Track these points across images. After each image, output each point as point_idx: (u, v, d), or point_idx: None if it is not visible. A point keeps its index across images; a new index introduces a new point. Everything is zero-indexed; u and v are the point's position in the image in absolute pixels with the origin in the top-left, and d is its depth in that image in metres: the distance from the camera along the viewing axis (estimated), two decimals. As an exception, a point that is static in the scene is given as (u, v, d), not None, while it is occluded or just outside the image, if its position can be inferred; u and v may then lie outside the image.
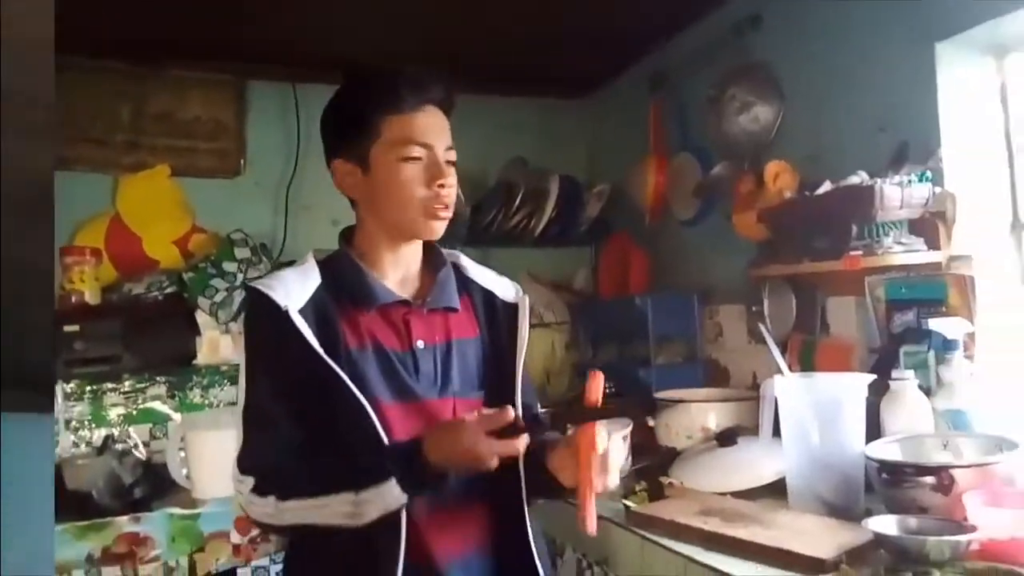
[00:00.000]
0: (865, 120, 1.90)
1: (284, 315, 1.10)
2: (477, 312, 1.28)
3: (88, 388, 2.24)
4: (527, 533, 1.18)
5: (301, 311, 1.12)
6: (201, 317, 2.42)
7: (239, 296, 2.43)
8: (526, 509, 1.19)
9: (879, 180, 1.65)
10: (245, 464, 1.11)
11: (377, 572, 1.07)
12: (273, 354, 1.12)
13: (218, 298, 2.43)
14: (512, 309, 1.29)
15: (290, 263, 2.67)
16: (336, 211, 3.00)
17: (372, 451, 1.08)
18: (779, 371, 1.64)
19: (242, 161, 2.81)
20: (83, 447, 2.18)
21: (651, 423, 2.11)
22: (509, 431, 1.03)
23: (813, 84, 2.08)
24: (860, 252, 1.70)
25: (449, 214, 1.19)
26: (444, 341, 1.21)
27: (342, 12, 2.38)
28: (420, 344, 1.19)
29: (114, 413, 2.25)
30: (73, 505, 1.86)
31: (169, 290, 2.48)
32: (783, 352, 1.74)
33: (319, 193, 2.84)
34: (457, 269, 1.30)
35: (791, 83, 2.16)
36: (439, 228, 1.20)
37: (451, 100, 1.22)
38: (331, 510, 1.05)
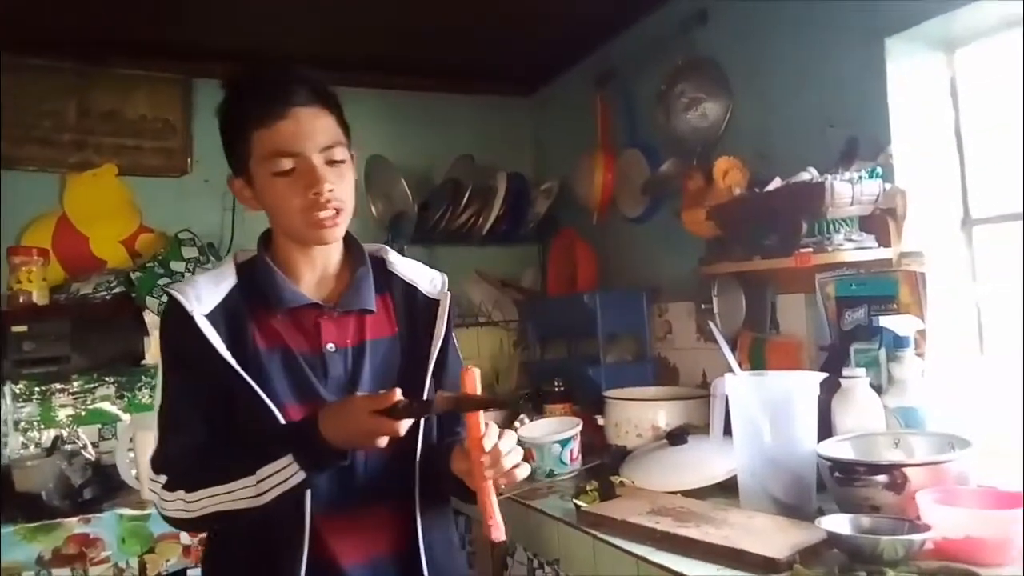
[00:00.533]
0: (814, 116, 1.89)
1: (192, 319, 1.11)
2: (397, 309, 1.26)
3: (37, 389, 2.25)
4: (418, 540, 1.17)
5: (210, 315, 1.13)
6: (149, 317, 2.41)
7: (187, 296, 2.41)
8: (418, 516, 1.18)
9: (829, 176, 1.64)
10: (158, 464, 1.13)
11: (281, 571, 1.09)
12: (183, 358, 1.14)
13: (166, 298, 2.35)
14: (433, 304, 1.26)
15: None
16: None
17: (269, 431, 1.09)
18: (729, 369, 1.61)
19: (189, 160, 2.76)
20: (32, 448, 2.19)
21: (600, 422, 2.07)
22: (397, 412, 1.01)
23: (762, 80, 2.07)
24: (810, 249, 1.68)
25: (336, 217, 1.15)
26: (357, 343, 1.20)
27: (288, 9, 2.34)
28: (330, 347, 1.18)
29: (63, 414, 2.27)
30: (23, 507, 1.88)
31: (117, 290, 2.47)
32: (733, 350, 1.72)
33: (267, 192, 2.76)
34: (382, 264, 1.28)
35: (739, 79, 2.15)
36: (329, 234, 1.17)
37: (323, 96, 1.17)
38: (235, 496, 1.07)
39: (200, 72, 2.74)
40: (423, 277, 1.29)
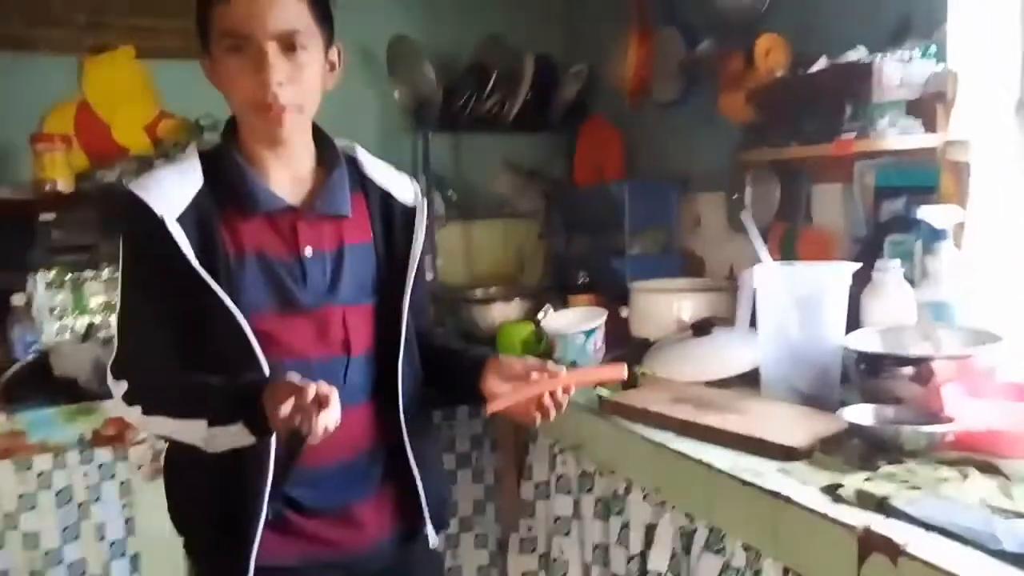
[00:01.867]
0: (866, -10, 1.75)
1: (160, 223, 1.05)
2: (372, 214, 1.21)
3: (68, 276, 2.26)
4: (402, 434, 1.19)
5: (180, 219, 1.07)
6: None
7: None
8: (401, 410, 1.19)
9: (880, 56, 1.54)
10: (118, 370, 1.11)
11: (248, 472, 1.08)
12: (148, 262, 1.09)
13: (128, 195, 2.36)
14: (410, 212, 1.23)
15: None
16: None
17: (228, 388, 1.05)
18: (758, 261, 1.57)
19: (208, 41, 2.65)
20: (67, 335, 2.23)
21: (625, 314, 2.06)
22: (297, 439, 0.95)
23: (812, -49, 1.91)
24: (852, 135, 1.60)
25: (285, 113, 1.09)
26: (335, 248, 1.16)
27: None
28: (308, 251, 1.14)
29: (95, 301, 2.28)
30: (63, 390, 1.93)
31: (141, 177, 2.43)
32: (764, 241, 1.67)
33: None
34: (354, 165, 1.23)
35: (787, -50, 1.99)
36: (276, 130, 1.10)
37: None
38: (187, 434, 1.07)
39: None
40: (397, 184, 1.25)
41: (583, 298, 2.32)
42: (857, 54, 1.61)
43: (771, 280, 1.50)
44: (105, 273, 2.28)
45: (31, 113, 2.47)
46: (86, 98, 2.53)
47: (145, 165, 2.43)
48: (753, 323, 1.56)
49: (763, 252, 1.59)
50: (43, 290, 2.21)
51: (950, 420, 1.17)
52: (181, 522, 1.21)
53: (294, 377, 0.98)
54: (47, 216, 2.21)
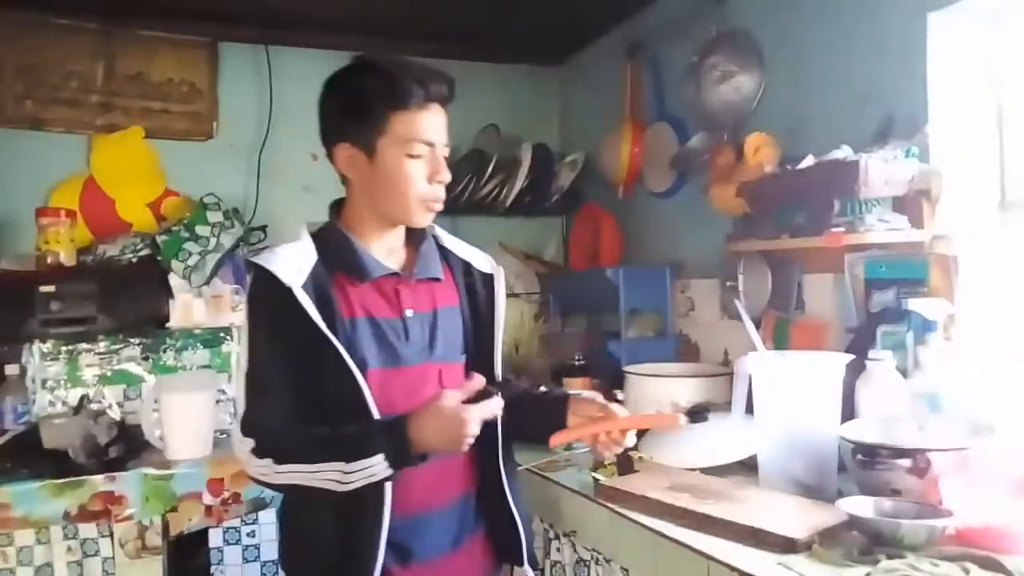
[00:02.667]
0: (850, 92, 1.85)
1: (288, 292, 1.18)
2: (457, 281, 1.36)
3: (63, 348, 2.27)
4: (501, 477, 1.32)
5: (303, 286, 1.19)
6: (174, 280, 2.45)
7: (212, 260, 2.47)
8: (500, 456, 1.33)
9: (863, 155, 1.61)
10: (247, 427, 1.20)
11: (365, 523, 1.18)
12: (276, 327, 1.20)
13: (191, 261, 2.45)
14: (489, 279, 1.39)
15: (262, 228, 2.67)
16: (308, 176, 3.00)
17: (363, 426, 1.17)
18: (752, 348, 1.60)
19: (215, 124, 2.78)
20: (59, 406, 2.21)
21: (620, 397, 2.07)
22: (482, 396, 1.15)
23: (797, 54, 2.02)
24: (842, 229, 1.66)
25: (441, 207, 1.28)
26: (431, 309, 1.30)
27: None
28: (409, 312, 1.28)
29: (89, 373, 2.28)
30: (50, 463, 1.91)
31: (143, 252, 2.50)
32: (757, 329, 1.70)
33: (291, 157, 2.84)
34: (435, 240, 1.38)
35: (774, 52, 2.10)
36: (430, 219, 1.30)
37: (453, 97, 1.28)
38: (321, 477, 1.15)
39: (226, 36, 2.76)
40: (474, 255, 1.41)
41: (579, 381, 2.34)
42: (842, 153, 1.68)
43: (766, 368, 1.51)
44: (101, 346, 2.28)
45: (38, 187, 2.54)
46: (93, 174, 2.60)
47: (148, 241, 2.47)
48: (749, 410, 1.57)
49: (757, 340, 1.62)
50: (38, 361, 2.21)
51: (949, 514, 1.17)
52: (296, 569, 1.31)
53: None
54: (47, 288, 2.23)
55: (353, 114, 1.24)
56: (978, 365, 1.54)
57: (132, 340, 2.32)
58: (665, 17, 2.51)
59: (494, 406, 1.18)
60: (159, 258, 2.45)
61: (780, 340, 1.98)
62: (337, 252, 1.26)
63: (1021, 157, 1.68)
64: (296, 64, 2.84)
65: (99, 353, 2.29)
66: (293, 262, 1.22)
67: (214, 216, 2.54)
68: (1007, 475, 1.25)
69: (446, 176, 1.26)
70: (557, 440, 1.30)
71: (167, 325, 2.40)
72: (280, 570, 1.93)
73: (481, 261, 1.40)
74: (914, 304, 1.55)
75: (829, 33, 1.91)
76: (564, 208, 3.05)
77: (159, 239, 2.46)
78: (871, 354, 1.53)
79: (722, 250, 2.12)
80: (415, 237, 1.34)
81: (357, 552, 1.19)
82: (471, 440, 1.15)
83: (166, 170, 2.69)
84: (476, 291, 1.37)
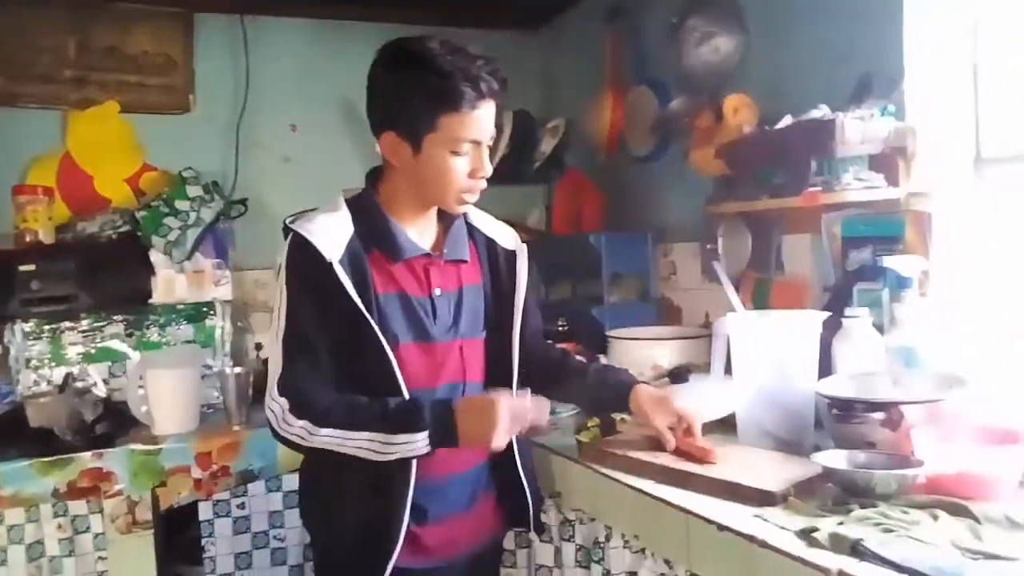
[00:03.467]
0: (828, 52, 1.85)
1: (327, 265, 1.21)
2: (481, 259, 1.41)
3: (46, 327, 2.24)
4: (513, 446, 1.37)
5: (340, 261, 1.23)
6: (155, 256, 2.42)
7: (192, 234, 2.45)
8: (515, 444, 1.38)
9: (840, 114, 1.61)
10: (283, 387, 1.23)
11: (392, 485, 1.25)
12: (315, 294, 1.24)
13: (172, 236, 2.43)
14: (511, 256, 1.42)
15: (243, 201, 2.64)
16: (288, 148, 2.97)
17: (410, 402, 1.23)
18: (732, 309, 1.61)
19: (191, 96, 2.74)
20: (44, 385, 2.20)
21: (604, 361, 2.09)
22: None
23: (776, 14, 2.01)
24: (819, 188, 1.67)
25: (477, 198, 1.31)
26: (457, 288, 1.35)
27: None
28: (438, 292, 1.32)
29: (73, 352, 2.26)
30: (37, 441, 1.91)
31: (122, 229, 2.46)
32: (737, 290, 1.72)
33: (270, 129, 2.82)
34: (464, 218, 1.40)
35: (753, 13, 2.09)
36: (465, 209, 1.33)
37: (505, 88, 1.27)
38: (359, 445, 1.20)
39: (202, 6, 2.70)
40: (499, 231, 1.44)
41: (562, 345, 2.35)
42: (819, 112, 1.68)
43: (744, 328, 1.53)
44: (84, 324, 2.27)
45: (14, 165, 2.50)
46: (69, 151, 2.56)
47: (127, 217, 2.45)
48: (728, 370, 1.59)
49: (736, 301, 1.63)
50: (21, 340, 2.19)
51: (920, 464, 1.20)
52: (319, 529, 1.38)
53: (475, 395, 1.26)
54: (26, 267, 2.20)
55: (403, 110, 1.24)
56: (952, 320, 1.56)
57: (115, 317, 2.31)
58: (644, -21, 2.49)
59: (534, 414, 1.24)
60: (139, 234, 2.43)
61: (760, 300, 2.00)
62: (374, 229, 1.29)
63: (995, 114, 1.69)
64: (273, 34, 2.81)
65: (82, 331, 2.28)
66: (331, 234, 1.25)
67: (194, 190, 2.52)
68: (976, 425, 1.29)
69: (487, 171, 1.28)
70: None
71: (150, 301, 2.38)
72: (273, 540, 1.99)
73: (506, 238, 1.44)
74: (890, 261, 1.57)
75: (807, -8, 1.91)
76: (546, 175, 3.03)
77: (139, 215, 2.44)
78: (848, 311, 1.55)
79: (703, 213, 2.13)
80: (446, 216, 1.37)
81: (383, 514, 1.25)
82: (500, 444, 1.21)
83: (144, 145, 2.66)
84: (499, 267, 1.41)
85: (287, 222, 1.30)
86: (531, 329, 1.45)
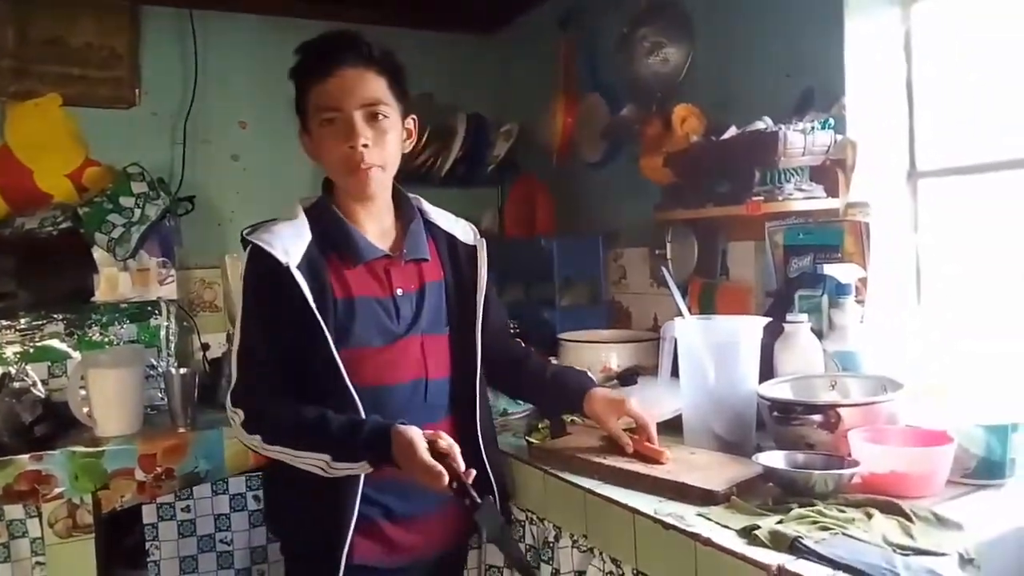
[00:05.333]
0: (773, 65, 1.91)
1: (285, 271, 1.23)
2: (442, 256, 1.41)
3: (-18, 325, 2.16)
4: (480, 447, 1.40)
5: (298, 266, 1.24)
6: (98, 253, 2.36)
7: (137, 232, 2.38)
8: (479, 427, 1.41)
9: (783, 126, 1.67)
10: (236, 399, 1.27)
11: (344, 480, 1.25)
12: (270, 304, 1.25)
13: (115, 234, 2.36)
14: (471, 251, 1.44)
15: (189, 198, 2.60)
16: (235, 146, 2.92)
17: (352, 429, 1.22)
18: (680, 313, 1.65)
19: (137, 91, 2.67)
20: (-21, 385, 2.11)
21: (555, 363, 2.11)
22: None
23: (723, 27, 2.07)
24: (762, 198, 1.72)
25: (370, 171, 1.28)
26: (419, 287, 1.36)
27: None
28: (399, 292, 1.34)
29: (10, 351, 2.19)
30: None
31: (64, 225, 2.38)
32: (684, 295, 1.76)
33: (219, 126, 2.77)
34: (421, 215, 1.42)
35: (702, 25, 2.15)
36: (363, 185, 1.30)
37: (372, 59, 1.29)
38: (306, 462, 1.23)
39: (148, -1, 2.64)
40: (458, 227, 1.46)
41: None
42: (763, 124, 1.74)
43: (689, 332, 1.57)
44: (23, 322, 2.19)
45: (-52, 157, 2.40)
46: (8, 144, 2.47)
47: (69, 212, 2.38)
48: (675, 372, 1.63)
49: (683, 305, 1.67)
50: (-45, 339, 2.12)
51: (856, 464, 1.25)
52: (280, 526, 1.42)
53: (414, 432, 1.18)
54: (-38, 263, 2.13)
55: (296, 101, 1.32)
56: (887, 326, 1.63)
57: (55, 316, 2.24)
58: (598, -12, 2.52)
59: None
60: (81, 231, 2.36)
61: (706, 305, 2.05)
62: (332, 234, 1.31)
63: (929, 129, 1.77)
64: (223, 30, 2.76)
65: (20, 330, 2.20)
66: (289, 241, 1.26)
67: (138, 186, 2.45)
68: (908, 427, 1.35)
69: (359, 139, 1.26)
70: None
71: (92, 299, 2.32)
72: (218, 543, 1.95)
73: (464, 233, 1.46)
74: (829, 269, 1.63)
75: (754, 6, 1.97)
76: (500, 178, 3.06)
77: (81, 211, 2.37)
78: (789, 317, 1.61)
79: (652, 219, 2.17)
80: (403, 215, 1.39)
81: (336, 505, 1.27)
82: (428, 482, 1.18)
83: (87, 139, 2.58)
84: (460, 263, 1.43)
85: (244, 234, 1.31)
86: (495, 325, 1.47)
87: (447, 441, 1.19)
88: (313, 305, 1.23)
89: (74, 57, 2.55)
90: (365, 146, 1.27)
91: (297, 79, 1.31)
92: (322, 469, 1.23)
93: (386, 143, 1.29)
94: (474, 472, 1.20)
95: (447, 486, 1.17)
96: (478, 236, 1.47)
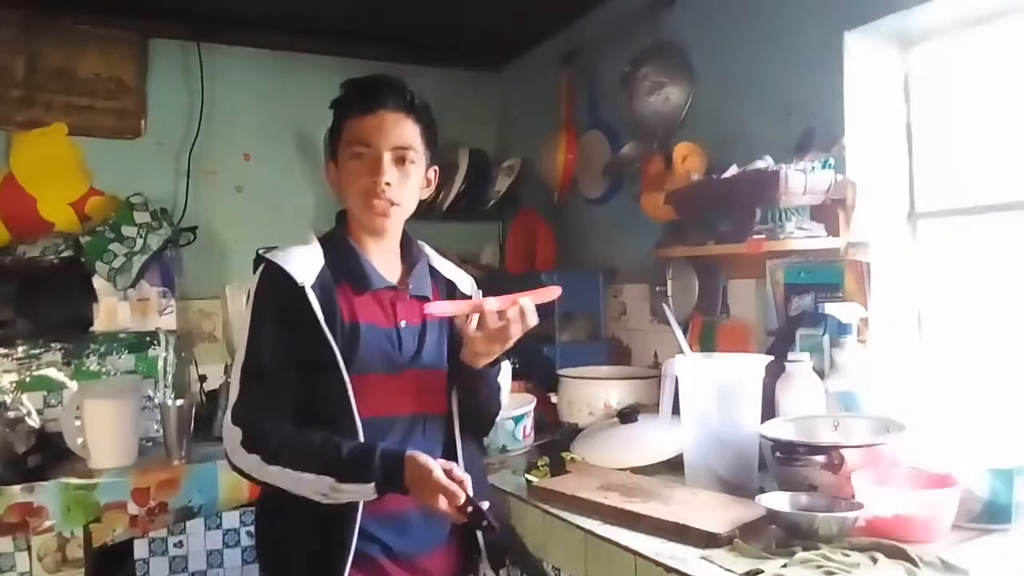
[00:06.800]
0: (774, 105, 1.93)
1: (299, 290, 1.26)
2: (443, 298, 1.44)
3: (-21, 353, 2.16)
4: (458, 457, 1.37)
5: (312, 286, 1.27)
6: (98, 283, 2.37)
7: (138, 262, 2.39)
8: (458, 438, 1.40)
9: (784, 166, 1.68)
10: (237, 415, 1.24)
11: (342, 515, 1.23)
12: (280, 322, 1.27)
13: (116, 263, 2.37)
14: (468, 299, 1.46)
15: (192, 229, 2.62)
16: (239, 177, 2.94)
17: (361, 451, 1.21)
18: (680, 351, 1.65)
19: (143, 122, 2.69)
20: (-27, 414, 2.09)
21: (554, 399, 2.10)
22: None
23: (724, 67, 2.09)
24: (763, 236, 1.73)
25: (389, 208, 1.33)
26: (421, 322, 1.39)
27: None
28: (403, 324, 1.36)
29: (6, 380, 2.18)
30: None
31: (65, 254, 2.39)
32: (685, 332, 1.75)
33: (224, 157, 2.78)
34: (426, 260, 1.47)
35: (703, 65, 2.17)
36: (379, 221, 1.35)
37: (410, 106, 1.35)
38: (307, 486, 1.20)
39: (156, 32, 2.68)
40: (458, 276, 1.51)
41: (513, 384, 2.35)
42: (764, 163, 1.75)
43: (691, 370, 1.56)
44: (20, 351, 2.18)
45: (-48, 184, 2.41)
46: (12, 172, 2.49)
47: (71, 241, 2.39)
48: (676, 411, 1.62)
49: (684, 343, 1.67)
50: (-50, 366, 2.11)
51: (860, 506, 1.24)
52: (271, 561, 1.36)
53: (426, 458, 1.18)
54: (-39, 290, 2.13)
55: (330, 131, 1.38)
56: (889, 366, 1.62)
57: (53, 345, 2.23)
58: (601, 27, 2.56)
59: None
60: (83, 260, 2.36)
61: (707, 343, 2.04)
62: (344, 261, 1.35)
63: (928, 170, 1.78)
64: (229, 63, 2.79)
65: (17, 358, 2.20)
66: (303, 263, 1.30)
67: (141, 216, 2.46)
68: (913, 469, 1.33)
69: (384, 177, 1.31)
70: (432, 309, 1.31)
71: (91, 329, 2.32)
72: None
73: (464, 282, 1.51)
74: (830, 308, 1.62)
75: (755, 47, 1.99)
76: (501, 213, 3.07)
77: (83, 240, 2.37)
78: (790, 356, 1.60)
79: (652, 256, 2.18)
80: (409, 257, 1.44)
81: (331, 544, 1.25)
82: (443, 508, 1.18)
83: (92, 169, 2.59)
84: None
85: (260, 252, 1.32)
86: None
87: (460, 471, 1.20)
88: (324, 326, 1.25)
89: (82, 87, 2.58)
90: (388, 184, 1.31)
91: (337, 111, 1.37)
92: (323, 494, 1.20)
93: (407, 186, 1.35)
94: (487, 503, 1.20)
95: (462, 509, 1.16)
96: (475, 287, 1.52)
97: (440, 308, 1.33)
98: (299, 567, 1.30)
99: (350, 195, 1.35)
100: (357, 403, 1.27)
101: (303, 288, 1.26)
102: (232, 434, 1.23)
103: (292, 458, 1.21)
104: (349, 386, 1.26)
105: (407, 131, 1.34)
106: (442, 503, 1.17)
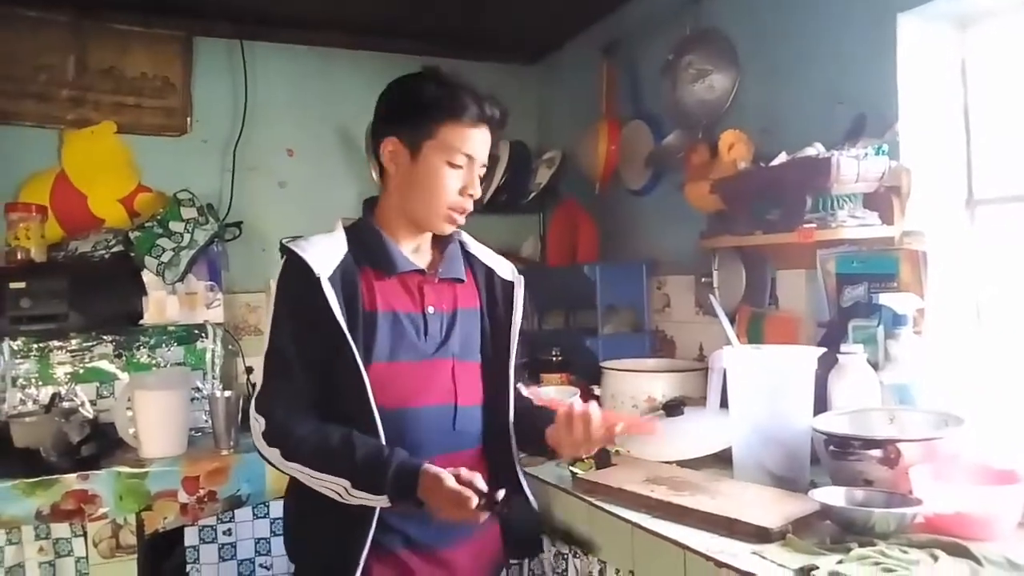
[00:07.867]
0: (822, 91, 1.88)
1: (316, 280, 1.23)
2: (479, 285, 1.43)
3: (35, 346, 2.23)
4: (517, 472, 1.39)
5: (330, 278, 1.25)
6: (147, 277, 2.42)
7: (186, 256, 2.43)
8: (514, 450, 1.39)
9: (835, 152, 1.63)
10: (261, 405, 1.25)
11: (361, 509, 1.22)
12: (299, 312, 1.26)
13: (165, 258, 2.42)
14: (509, 287, 1.44)
15: (237, 224, 2.67)
16: (283, 173, 2.98)
17: (378, 458, 1.19)
18: (727, 342, 1.62)
19: (189, 119, 2.75)
20: (30, 404, 2.18)
21: (597, 392, 2.08)
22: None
23: (770, 53, 2.05)
24: (814, 225, 1.68)
25: (463, 220, 1.34)
26: (451, 309, 1.36)
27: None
28: (431, 309, 1.34)
29: (61, 371, 2.25)
30: (21, 462, 1.88)
31: (115, 249, 2.45)
32: (732, 324, 1.72)
33: (267, 153, 2.82)
34: (460, 245, 1.43)
35: (748, 51, 2.13)
36: (450, 229, 1.35)
37: (504, 124, 1.36)
38: (324, 484, 1.20)
39: (201, 30, 2.73)
40: (498, 261, 1.47)
41: (556, 376, 2.34)
42: (814, 150, 1.70)
43: (740, 362, 1.53)
44: (73, 343, 2.24)
45: (8, 182, 2.48)
46: (64, 169, 2.55)
47: (121, 237, 2.44)
48: (724, 403, 1.59)
49: (732, 335, 1.64)
50: (8, 358, 2.17)
51: (919, 502, 1.20)
52: (296, 550, 1.36)
53: (437, 470, 1.15)
54: (17, 284, 2.19)
55: (408, 113, 1.31)
56: (946, 358, 1.57)
57: (105, 337, 2.29)
58: (641, 16, 2.52)
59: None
60: (132, 254, 2.41)
61: (754, 335, 2.00)
62: (367, 246, 1.32)
63: (987, 156, 1.72)
64: (272, 60, 2.83)
65: (71, 351, 2.26)
66: (324, 252, 1.28)
67: (188, 212, 2.51)
68: (974, 464, 1.29)
69: (477, 191, 1.32)
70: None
71: (140, 322, 2.36)
72: (258, 566, 1.94)
73: (504, 269, 1.46)
74: (884, 299, 1.58)
75: (802, 32, 1.94)
76: (541, 205, 3.06)
77: (132, 235, 2.43)
78: (843, 348, 1.56)
79: (697, 246, 2.14)
80: (442, 240, 1.40)
81: (353, 528, 1.24)
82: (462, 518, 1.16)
83: (139, 166, 2.65)
84: (496, 296, 1.43)
85: (283, 242, 1.31)
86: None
87: (467, 471, 1.17)
88: (340, 319, 1.23)
89: (129, 86, 2.64)
90: (472, 196, 1.32)
91: (436, 106, 1.29)
92: (339, 495, 1.20)
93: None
94: (503, 491, 1.16)
95: (476, 509, 1.13)
96: (516, 273, 1.47)
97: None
98: (317, 553, 1.30)
99: (430, 197, 1.31)
100: (380, 394, 1.25)
101: (319, 279, 1.24)
102: (256, 424, 1.24)
103: (309, 457, 1.21)
104: (366, 378, 1.24)
105: (490, 148, 1.35)
106: (458, 512, 1.14)
